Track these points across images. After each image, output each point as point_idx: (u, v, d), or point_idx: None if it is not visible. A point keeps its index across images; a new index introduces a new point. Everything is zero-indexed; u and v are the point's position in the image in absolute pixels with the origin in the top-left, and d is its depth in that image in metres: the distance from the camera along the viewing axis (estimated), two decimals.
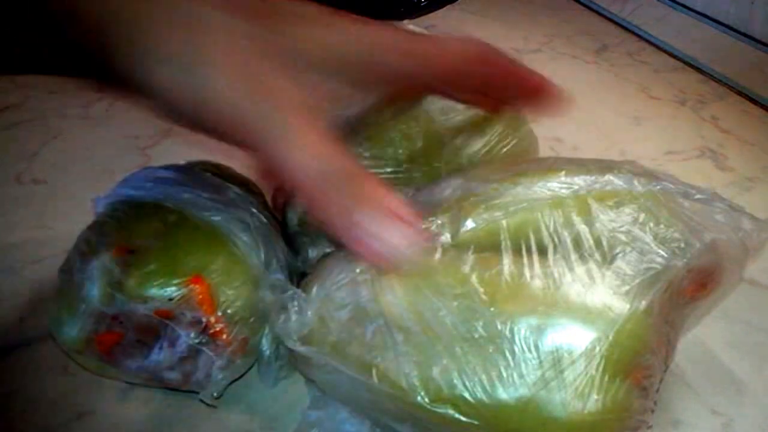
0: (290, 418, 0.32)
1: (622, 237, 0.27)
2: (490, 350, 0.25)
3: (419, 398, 0.25)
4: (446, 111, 0.36)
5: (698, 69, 0.64)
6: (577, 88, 0.61)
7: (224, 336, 0.30)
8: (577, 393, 0.24)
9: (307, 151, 0.24)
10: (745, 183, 0.49)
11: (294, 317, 0.28)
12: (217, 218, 0.32)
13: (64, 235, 0.34)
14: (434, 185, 0.32)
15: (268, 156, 0.25)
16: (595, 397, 0.24)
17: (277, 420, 0.32)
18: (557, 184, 0.29)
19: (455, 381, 0.25)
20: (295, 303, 0.28)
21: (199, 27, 0.24)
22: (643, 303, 0.25)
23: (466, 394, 0.25)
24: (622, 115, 0.57)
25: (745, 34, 0.63)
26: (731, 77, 0.61)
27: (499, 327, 0.25)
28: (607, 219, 0.27)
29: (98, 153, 0.52)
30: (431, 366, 0.25)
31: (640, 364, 0.25)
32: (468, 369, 0.25)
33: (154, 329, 0.30)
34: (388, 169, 0.35)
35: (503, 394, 0.25)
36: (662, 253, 0.27)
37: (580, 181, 0.29)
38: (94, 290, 0.29)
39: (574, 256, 0.26)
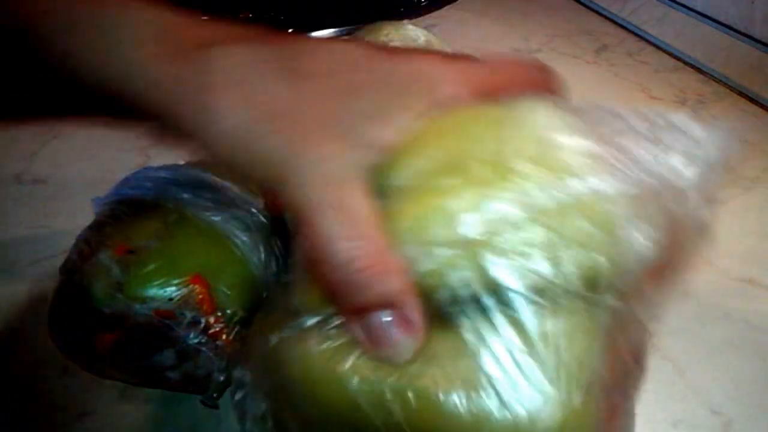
0: None
1: (533, 292, 0.21)
2: None
3: None
4: None
5: (698, 69, 0.64)
6: (577, 88, 0.61)
7: (223, 336, 0.30)
8: None
9: (337, 220, 0.22)
10: (746, 183, 0.49)
11: (247, 399, 0.25)
12: (216, 218, 0.32)
13: (64, 235, 0.34)
14: None
15: (290, 205, 0.22)
16: None
17: None
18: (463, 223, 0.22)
19: None
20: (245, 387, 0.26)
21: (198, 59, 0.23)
22: (577, 399, 0.20)
23: None
24: None
25: (745, 34, 0.63)
26: (731, 77, 0.61)
27: None
28: (510, 269, 0.21)
29: (98, 153, 0.52)
30: None
31: None
32: None
33: (154, 329, 0.30)
34: None
35: None
36: (592, 301, 0.21)
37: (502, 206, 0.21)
38: (94, 290, 0.29)
39: (487, 327, 0.21)
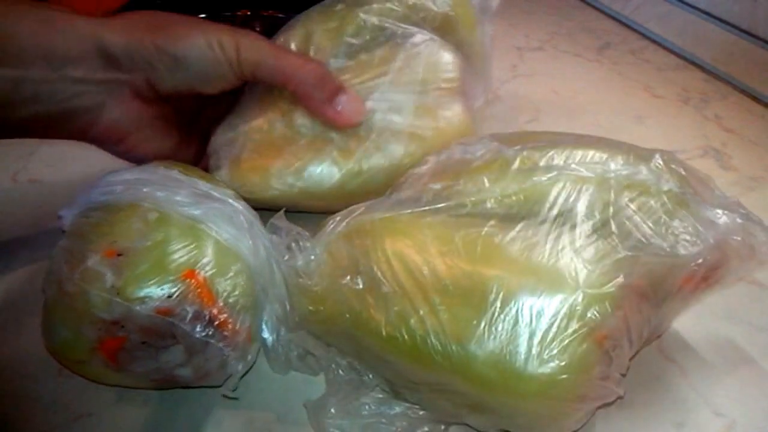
0: (290, 419, 0.32)
1: (635, 222, 0.28)
2: (466, 305, 0.27)
3: (395, 344, 0.29)
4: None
5: (701, 67, 0.63)
6: (579, 87, 0.60)
7: (230, 325, 0.30)
8: (541, 351, 0.26)
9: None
10: (749, 182, 0.48)
11: (299, 255, 0.32)
12: (197, 212, 0.32)
13: (60, 236, 0.34)
14: (468, 143, 0.34)
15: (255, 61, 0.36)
16: (556, 353, 0.26)
17: (276, 421, 0.32)
18: (590, 165, 0.30)
19: (429, 331, 0.28)
20: (300, 242, 0.33)
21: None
22: (620, 279, 0.27)
23: (438, 345, 0.27)
24: (624, 113, 0.57)
25: (748, 33, 0.63)
26: (735, 76, 0.61)
27: (476, 284, 0.27)
28: (623, 204, 0.29)
29: (94, 152, 0.52)
30: (410, 316, 0.28)
31: (602, 328, 0.26)
32: (444, 322, 0.28)
33: (158, 329, 0.29)
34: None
35: (474, 347, 0.27)
36: (666, 243, 0.28)
37: (612, 164, 0.30)
38: (90, 298, 0.29)
39: (579, 231, 0.28)
